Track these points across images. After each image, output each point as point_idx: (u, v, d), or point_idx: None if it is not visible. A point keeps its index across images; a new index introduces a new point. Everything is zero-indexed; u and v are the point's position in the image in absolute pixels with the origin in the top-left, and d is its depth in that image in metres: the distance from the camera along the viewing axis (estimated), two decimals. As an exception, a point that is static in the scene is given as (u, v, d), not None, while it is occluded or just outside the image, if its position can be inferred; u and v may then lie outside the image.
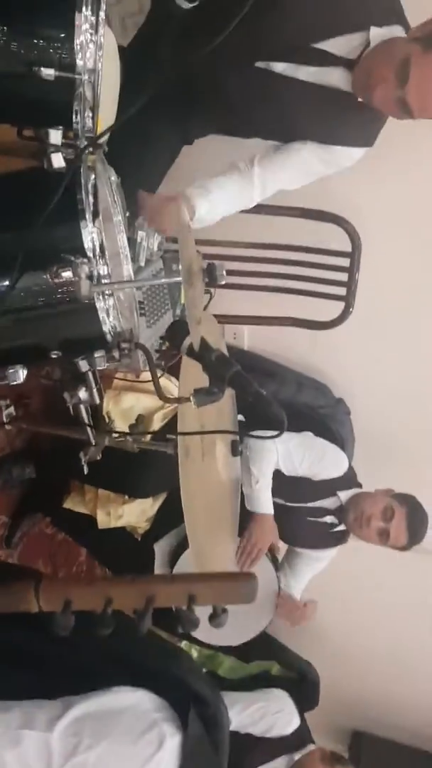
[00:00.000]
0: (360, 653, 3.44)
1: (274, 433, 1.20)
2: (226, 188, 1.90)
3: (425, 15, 1.69)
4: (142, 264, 1.86)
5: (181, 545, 2.47)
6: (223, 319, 2.59)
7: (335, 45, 1.71)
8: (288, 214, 2.42)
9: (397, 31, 1.71)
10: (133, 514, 2.47)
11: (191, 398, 1.20)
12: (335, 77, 1.75)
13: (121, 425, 2.27)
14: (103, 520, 2.45)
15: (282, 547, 2.75)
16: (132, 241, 1.75)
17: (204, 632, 2.46)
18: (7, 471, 2.48)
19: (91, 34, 1.06)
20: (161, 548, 2.53)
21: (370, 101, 1.71)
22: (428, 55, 1.57)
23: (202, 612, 0.95)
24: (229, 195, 1.91)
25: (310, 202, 2.40)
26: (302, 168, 1.94)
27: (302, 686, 2.87)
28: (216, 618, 0.90)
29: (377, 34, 1.68)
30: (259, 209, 2.37)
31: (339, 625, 3.37)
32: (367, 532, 2.44)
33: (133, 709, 1.41)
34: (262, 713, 2.56)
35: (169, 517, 2.47)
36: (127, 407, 2.35)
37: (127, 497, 2.43)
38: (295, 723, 2.60)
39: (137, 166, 1.81)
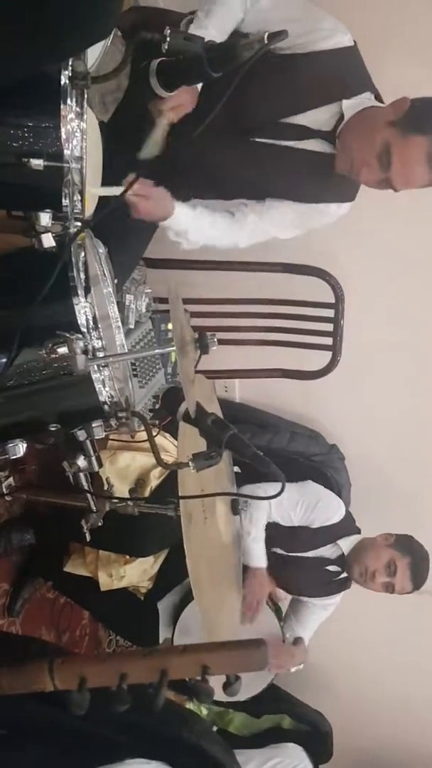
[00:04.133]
0: (372, 701, 3.39)
1: (274, 493, 1.22)
2: (215, 215, 1.95)
3: (390, 81, 1.79)
4: (132, 326, 1.91)
5: (185, 602, 2.46)
6: (214, 374, 2.62)
7: (310, 119, 1.80)
8: (271, 269, 2.48)
9: (367, 98, 1.80)
10: (135, 573, 2.46)
11: (190, 463, 1.22)
12: (313, 145, 1.84)
13: (118, 485, 2.29)
14: (105, 582, 2.44)
15: (285, 597, 2.74)
16: (121, 305, 1.79)
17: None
18: (6, 538, 2.46)
19: (76, 123, 1.11)
20: (165, 606, 2.51)
21: (355, 180, 1.84)
22: (405, 138, 1.69)
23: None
24: (217, 221, 1.96)
25: (291, 257, 2.47)
26: (291, 219, 2.01)
27: (315, 738, 2.82)
28: (230, 686, 0.91)
29: (349, 106, 1.78)
30: (244, 266, 2.44)
31: (348, 673, 3.33)
32: (373, 585, 2.48)
33: None
34: (277, 770, 2.52)
35: (172, 574, 2.46)
36: (123, 466, 2.36)
37: (128, 557, 2.43)
38: (310, 777, 2.56)
39: (123, 236, 1.85)
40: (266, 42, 1.02)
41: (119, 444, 2.39)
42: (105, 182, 1.59)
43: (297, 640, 2.58)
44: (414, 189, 1.79)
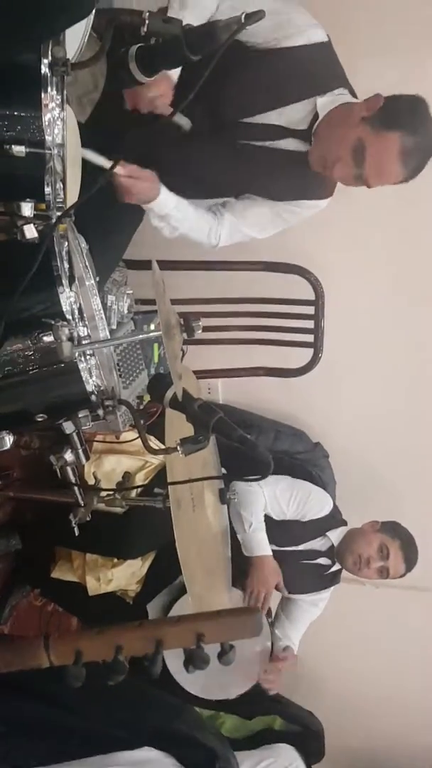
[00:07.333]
0: (363, 699, 3.39)
1: (261, 483, 1.24)
2: (197, 209, 1.99)
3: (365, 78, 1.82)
4: (114, 327, 1.92)
5: (174, 603, 2.46)
6: (197, 374, 2.63)
7: (285, 118, 1.84)
8: (251, 268, 2.51)
9: (341, 95, 1.83)
10: (123, 576, 2.45)
11: (178, 448, 1.23)
12: (289, 144, 1.87)
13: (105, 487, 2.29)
14: (93, 586, 2.43)
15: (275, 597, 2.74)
16: (103, 306, 1.80)
17: (201, 688, 2.43)
18: (-8, 544, 2.46)
19: (58, 111, 1.13)
20: (154, 608, 2.50)
21: (329, 177, 1.86)
22: (379, 135, 1.72)
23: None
24: (199, 213, 2.00)
25: (270, 255, 2.49)
26: (269, 219, 2.05)
27: (307, 738, 2.81)
28: (224, 655, 0.92)
29: (323, 103, 1.81)
30: (225, 266, 2.46)
31: (336, 671, 3.33)
32: (367, 572, 2.51)
33: (159, 762, 1.41)
34: (270, 771, 2.51)
35: (160, 576, 2.45)
36: (109, 470, 2.36)
37: (115, 560, 2.42)
38: (304, 777, 2.55)
39: (104, 233, 1.87)
40: (243, 22, 1.04)
41: (104, 447, 2.39)
42: (83, 182, 1.60)
43: (286, 648, 2.58)
44: (387, 185, 1.83)
